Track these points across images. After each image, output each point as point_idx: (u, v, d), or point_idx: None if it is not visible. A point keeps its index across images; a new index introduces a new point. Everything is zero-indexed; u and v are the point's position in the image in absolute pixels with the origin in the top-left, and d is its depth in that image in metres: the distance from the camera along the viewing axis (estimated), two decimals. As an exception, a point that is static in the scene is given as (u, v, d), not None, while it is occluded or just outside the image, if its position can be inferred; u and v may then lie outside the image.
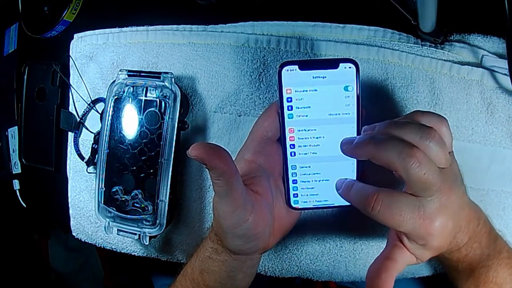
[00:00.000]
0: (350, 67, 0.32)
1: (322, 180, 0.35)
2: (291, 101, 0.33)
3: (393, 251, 0.32)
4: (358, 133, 0.34)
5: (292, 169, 0.35)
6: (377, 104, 0.39)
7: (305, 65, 0.32)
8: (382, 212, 0.29)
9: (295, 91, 0.33)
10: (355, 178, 0.35)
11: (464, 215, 0.32)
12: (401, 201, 0.29)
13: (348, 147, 0.32)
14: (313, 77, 0.32)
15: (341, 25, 0.40)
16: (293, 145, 0.34)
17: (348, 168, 0.35)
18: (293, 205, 0.36)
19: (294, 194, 0.36)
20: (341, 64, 0.32)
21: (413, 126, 0.30)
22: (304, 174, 0.35)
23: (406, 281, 0.51)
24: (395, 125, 0.30)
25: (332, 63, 0.32)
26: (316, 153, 0.34)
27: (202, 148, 0.29)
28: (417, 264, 0.42)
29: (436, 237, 0.30)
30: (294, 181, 0.35)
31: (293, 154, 0.34)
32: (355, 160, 0.34)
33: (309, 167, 0.35)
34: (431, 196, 0.29)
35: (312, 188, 0.35)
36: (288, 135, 0.34)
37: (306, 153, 0.34)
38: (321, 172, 0.35)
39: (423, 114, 0.31)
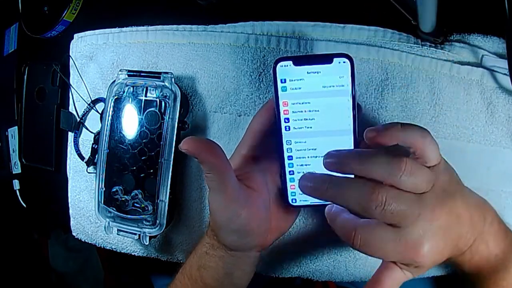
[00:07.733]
0: (344, 62, 0.32)
1: None
2: (286, 97, 0.33)
3: (384, 275, 0.30)
4: (354, 131, 0.33)
5: (289, 165, 0.35)
6: (377, 105, 0.40)
7: (299, 61, 0.32)
8: (364, 247, 0.28)
9: (290, 88, 0.33)
10: None
11: (464, 221, 0.31)
12: (380, 235, 0.28)
13: (308, 188, 0.31)
14: (307, 72, 0.32)
15: (341, 25, 0.40)
16: (290, 141, 0.34)
17: None
18: (291, 203, 0.36)
19: (291, 191, 0.35)
20: (335, 59, 0.32)
21: (380, 161, 0.27)
22: (302, 170, 0.35)
23: (406, 281, 0.51)
24: (359, 161, 0.28)
25: (326, 58, 0.32)
26: (314, 149, 0.34)
27: (193, 142, 0.31)
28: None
29: (427, 258, 0.28)
30: (292, 178, 0.35)
31: (289, 150, 0.34)
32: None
33: (307, 164, 0.35)
34: (411, 225, 0.28)
35: None
36: (284, 129, 0.34)
37: (303, 149, 0.34)
38: (319, 169, 0.35)
39: (403, 129, 0.29)
